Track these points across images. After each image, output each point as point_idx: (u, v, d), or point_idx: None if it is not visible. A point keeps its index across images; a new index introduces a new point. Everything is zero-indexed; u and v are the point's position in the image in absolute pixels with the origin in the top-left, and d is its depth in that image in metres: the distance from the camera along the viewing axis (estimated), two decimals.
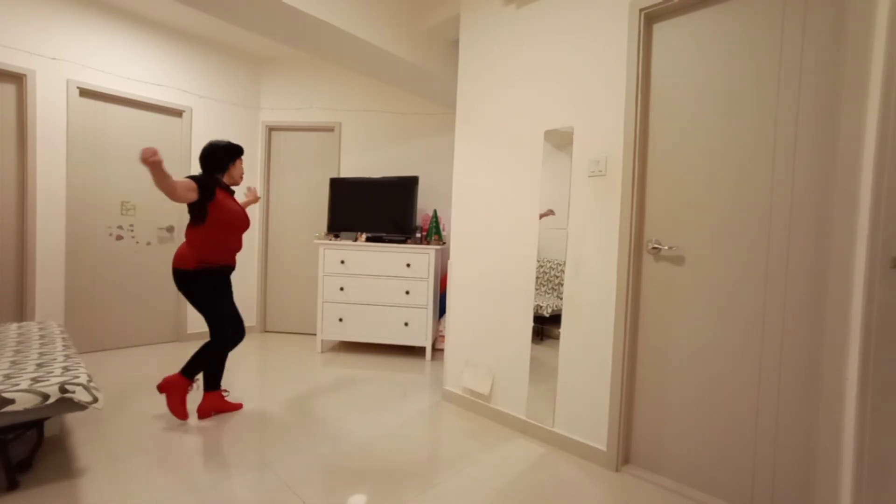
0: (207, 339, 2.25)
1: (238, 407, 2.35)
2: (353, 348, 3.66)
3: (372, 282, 3.42)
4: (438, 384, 2.87)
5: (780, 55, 1.53)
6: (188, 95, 3.64)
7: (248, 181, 4.03)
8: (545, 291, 2.16)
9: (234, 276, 4.00)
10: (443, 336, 3.62)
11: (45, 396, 1.50)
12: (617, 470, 1.85)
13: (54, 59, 3.00)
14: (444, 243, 3.64)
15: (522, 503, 1.62)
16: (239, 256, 3.99)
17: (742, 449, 1.60)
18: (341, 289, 3.45)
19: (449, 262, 2.64)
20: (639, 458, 1.88)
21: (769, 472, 1.54)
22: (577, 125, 2.03)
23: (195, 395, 2.29)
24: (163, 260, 3.59)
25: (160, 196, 3.54)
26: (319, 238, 3.63)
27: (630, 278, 1.84)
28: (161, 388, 2.17)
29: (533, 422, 2.16)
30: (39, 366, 1.73)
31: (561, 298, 2.08)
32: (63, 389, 1.54)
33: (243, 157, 2.49)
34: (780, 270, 1.53)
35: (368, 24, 2.67)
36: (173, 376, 2.18)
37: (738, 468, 1.61)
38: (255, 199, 2.61)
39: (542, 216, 2.14)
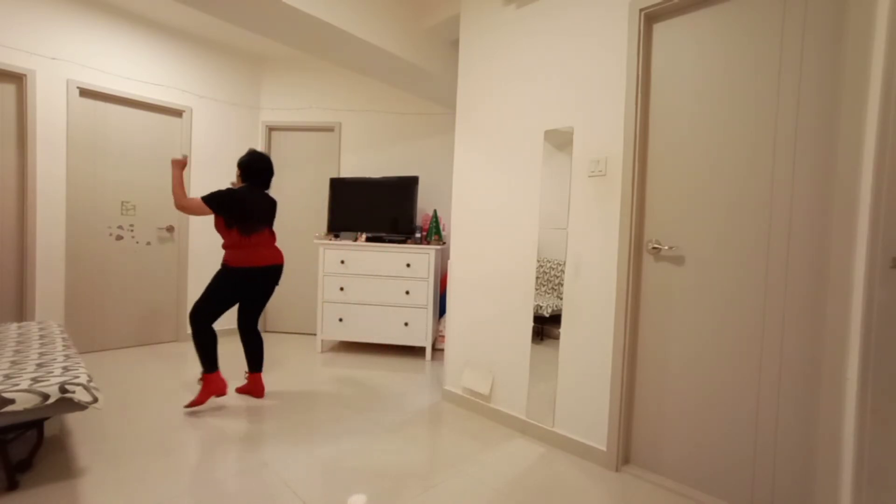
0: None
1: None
2: (353, 348, 3.66)
3: (372, 282, 3.41)
4: (438, 384, 2.87)
5: (779, 55, 1.53)
6: (188, 95, 3.64)
7: None
8: (545, 291, 2.16)
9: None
10: (443, 336, 3.62)
11: (45, 396, 1.50)
12: (617, 470, 1.85)
13: (54, 59, 2.99)
14: (444, 243, 3.64)
15: (522, 503, 1.62)
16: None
17: (742, 448, 1.60)
18: (341, 289, 3.45)
19: (449, 262, 2.64)
20: (639, 457, 1.88)
21: (769, 472, 1.54)
22: (577, 125, 2.03)
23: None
24: (163, 260, 3.59)
25: (160, 196, 3.54)
26: (319, 238, 3.62)
27: (630, 278, 1.84)
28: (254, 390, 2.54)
29: (533, 422, 2.16)
30: (39, 366, 1.73)
31: (561, 298, 2.08)
32: (63, 389, 1.53)
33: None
34: (780, 270, 1.53)
35: (368, 24, 2.67)
36: (254, 378, 2.56)
37: (738, 468, 1.61)
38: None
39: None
